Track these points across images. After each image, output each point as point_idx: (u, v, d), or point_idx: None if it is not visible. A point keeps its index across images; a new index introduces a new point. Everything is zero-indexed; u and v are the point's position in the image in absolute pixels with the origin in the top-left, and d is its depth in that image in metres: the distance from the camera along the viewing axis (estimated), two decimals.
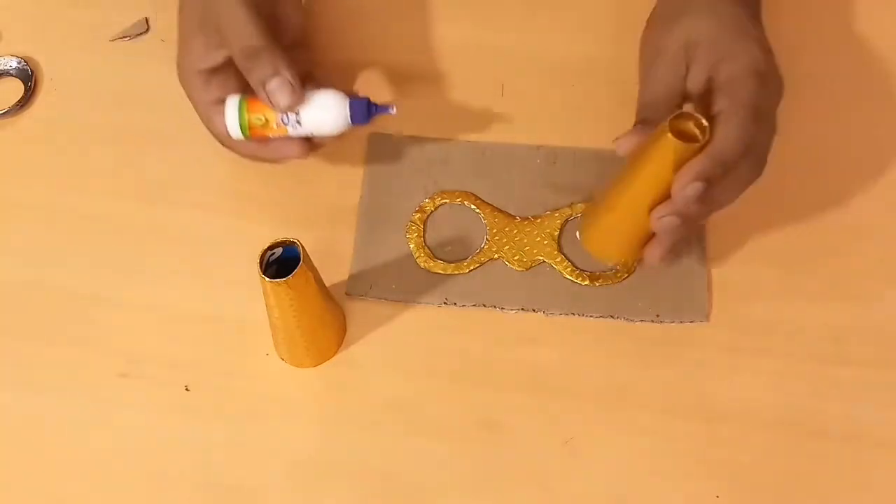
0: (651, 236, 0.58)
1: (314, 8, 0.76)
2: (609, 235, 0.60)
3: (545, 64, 0.74)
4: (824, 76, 0.72)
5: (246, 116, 0.62)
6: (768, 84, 0.58)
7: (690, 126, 0.54)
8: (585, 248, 0.62)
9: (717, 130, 0.54)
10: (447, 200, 0.69)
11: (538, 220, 0.67)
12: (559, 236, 0.67)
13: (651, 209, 0.56)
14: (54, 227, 0.69)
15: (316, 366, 0.64)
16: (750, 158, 0.56)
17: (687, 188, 0.53)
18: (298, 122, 0.62)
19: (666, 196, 0.55)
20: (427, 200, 0.69)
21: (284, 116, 0.62)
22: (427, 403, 0.62)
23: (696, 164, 0.53)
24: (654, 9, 0.65)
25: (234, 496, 0.60)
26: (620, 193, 0.58)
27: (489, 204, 0.68)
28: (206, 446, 0.62)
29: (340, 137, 0.64)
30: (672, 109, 0.58)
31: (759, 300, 0.64)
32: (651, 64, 0.61)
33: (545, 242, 0.67)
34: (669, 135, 0.53)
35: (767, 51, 0.60)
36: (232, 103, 0.62)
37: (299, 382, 0.63)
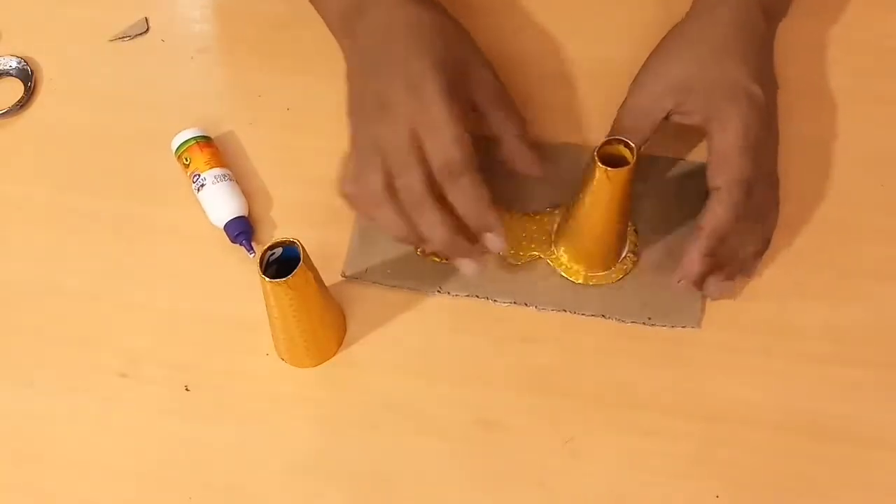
0: (606, 250, 0.64)
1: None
2: (574, 249, 0.65)
3: (548, 65, 0.74)
4: (824, 76, 0.72)
5: None
6: (758, 152, 0.60)
7: (620, 149, 0.59)
8: (559, 258, 0.66)
9: (711, 207, 0.60)
10: None
11: (537, 216, 0.67)
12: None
13: (598, 228, 0.62)
14: (54, 227, 0.69)
15: (316, 366, 0.64)
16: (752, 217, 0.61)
17: (694, 264, 0.60)
18: (199, 189, 0.68)
19: (609, 217, 0.61)
20: None
21: (197, 177, 0.67)
22: (427, 403, 0.62)
23: (697, 245, 0.60)
24: (665, 37, 0.66)
25: (234, 496, 0.60)
26: (575, 215, 0.63)
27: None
28: (206, 446, 0.62)
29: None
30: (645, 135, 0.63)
31: (759, 300, 0.64)
32: (637, 93, 0.64)
33: (542, 238, 0.67)
34: (599, 163, 0.58)
35: (760, 105, 0.61)
36: None
37: (299, 382, 0.63)
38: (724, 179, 0.59)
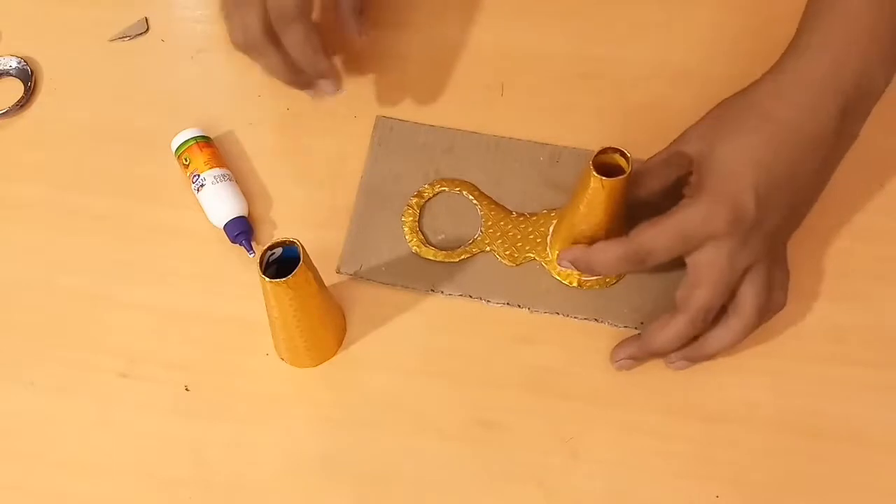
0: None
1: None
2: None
3: (551, 67, 0.74)
4: None
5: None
6: (694, 246, 0.58)
7: (616, 158, 0.58)
8: (554, 261, 0.66)
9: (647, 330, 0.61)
10: (446, 188, 0.69)
11: (534, 218, 0.67)
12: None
13: (592, 235, 0.61)
14: (54, 227, 0.69)
15: (316, 366, 0.64)
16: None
17: (618, 358, 0.62)
18: (199, 189, 0.68)
19: (603, 224, 0.60)
20: (426, 186, 0.69)
21: (196, 177, 0.68)
22: (427, 403, 0.62)
23: (628, 348, 0.62)
24: (730, 97, 0.61)
25: (234, 496, 0.60)
26: (569, 222, 0.62)
27: (487, 196, 0.68)
28: (206, 446, 0.62)
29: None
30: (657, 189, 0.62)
31: None
32: (672, 145, 0.61)
33: (538, 241, 0.67)
34: (594, 172, 0.57)
35: (741, 222, 0.56)
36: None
37: (299, 382, 0.63)
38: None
